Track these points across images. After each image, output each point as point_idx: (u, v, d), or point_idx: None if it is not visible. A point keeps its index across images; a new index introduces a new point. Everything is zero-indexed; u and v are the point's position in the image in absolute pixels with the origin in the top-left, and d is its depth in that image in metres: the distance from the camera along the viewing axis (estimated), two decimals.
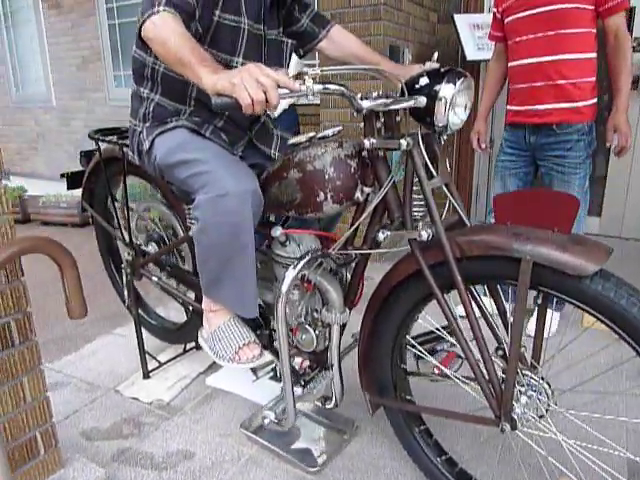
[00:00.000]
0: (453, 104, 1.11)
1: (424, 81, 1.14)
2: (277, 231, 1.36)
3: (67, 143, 5.87)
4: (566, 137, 2.11)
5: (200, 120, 1.47)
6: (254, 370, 1.72)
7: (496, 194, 1.12)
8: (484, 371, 1.15)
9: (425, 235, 1.15)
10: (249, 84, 0.99)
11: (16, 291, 1.24)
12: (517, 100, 2.22)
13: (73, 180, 2.11)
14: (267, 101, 1.01)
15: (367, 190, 1.29)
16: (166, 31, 1.13)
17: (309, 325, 1.45)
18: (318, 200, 1.28)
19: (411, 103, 1.12)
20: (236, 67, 1.45)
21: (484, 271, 1.13)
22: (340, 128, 1.39)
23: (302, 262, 1.26)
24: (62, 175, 2.11)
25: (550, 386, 1.21)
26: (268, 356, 1.57)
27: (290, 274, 1.23)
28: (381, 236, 1.23)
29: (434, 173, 1.17)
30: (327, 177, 1.26)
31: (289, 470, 1.59)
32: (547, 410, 1.20)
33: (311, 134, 1.33)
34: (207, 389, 2.01)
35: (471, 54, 3.04)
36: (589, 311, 1.03)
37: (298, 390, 1.45)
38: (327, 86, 1.06)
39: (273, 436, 1.67)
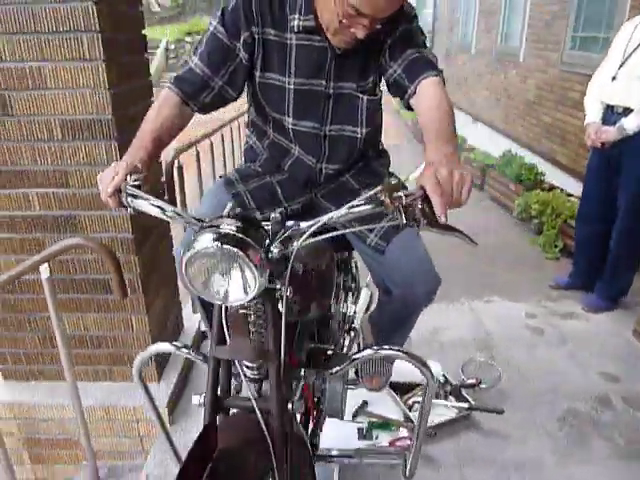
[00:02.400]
0: (195, 268, 0.80)
1: None
2: None
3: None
4: None
5: (262, 170, 1.50)
6: None
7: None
8: None
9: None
10: (101, 186, 1.06)
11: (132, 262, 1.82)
12: None
13: None
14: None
15: None
16: (153, 106, 1.26)
17: None
18: None
19: None
20: (289, 128, 1.37)
21: None
22: None
23: None
24: None
25: None
26: None
27: None
28: None
29: (227, 339, 0.89)
30: None
31: None
32: None
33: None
34: None
35: None
36: None
37: None
38: (144, 209, 0.97)
39: None
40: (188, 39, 17.20)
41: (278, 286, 0.88)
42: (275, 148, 1.45)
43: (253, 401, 0.89)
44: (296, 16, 1.23)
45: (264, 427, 0.88)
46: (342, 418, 1.41)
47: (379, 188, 0.87)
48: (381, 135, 1.54)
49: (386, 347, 1.19)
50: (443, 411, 2.03)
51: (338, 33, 1.19)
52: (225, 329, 0.90)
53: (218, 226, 0.80)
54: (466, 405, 2.02)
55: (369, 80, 1.32)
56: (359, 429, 1.97)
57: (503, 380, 2.19)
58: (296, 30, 1.25)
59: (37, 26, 1.50)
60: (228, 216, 0.82)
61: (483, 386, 2.13)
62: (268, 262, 0.82)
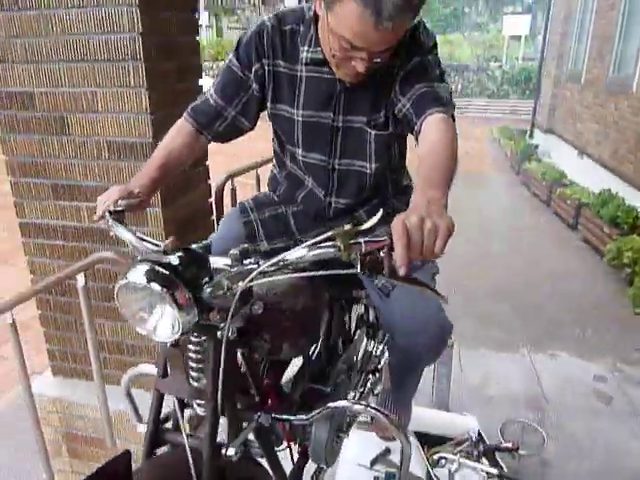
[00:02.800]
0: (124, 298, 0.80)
1: None
2: None
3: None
4: None
5: (279, 200, 1.49)
6: None
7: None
8: None
9: None
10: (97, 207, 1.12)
11: None
12: None
13: None
14: None
15: None
16: (167, 134, 1.31)
17: None
18: None
19: None
20: (299, 159, 1.35)
21: None
22: None
23: None
24: None
25: None
26: None
27: None
28: None
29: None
30: None
31: None
32: None
33: None
34: None
35: None
36: None
37: None
38: (119, 234, 1.00)
39: None
40: None
41: (222, 324, 0.86)
42: (291, 179, 1.44)
43: (185, 439, 0.87)
44: (305, 48, 1.22)
45: (192, 468, 0.85)
46: (328, 466, 1.33)
47: (330, 233, 0.81)
48: (403, 171, 1.46)
49: (363, 403, 1.11)
50: (470, 474, 1.85)
51: (340, 67, 1.15)
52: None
53: (154, 261, 0.80)
54: (496, 471, 1.81)
55: (380, 114, 1.25)
56: (375, 478, 1.86)
57: (549, 449, 1.95)
58: (305, 62, 1.23)
59: (91, 55, 1.64)
60: (165, 252, 0.81)
61: (522, 452, 1.90)
62: (197, 301, 0.79)
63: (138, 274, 0.77)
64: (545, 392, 2.33)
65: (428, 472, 1.86)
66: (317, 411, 1.10)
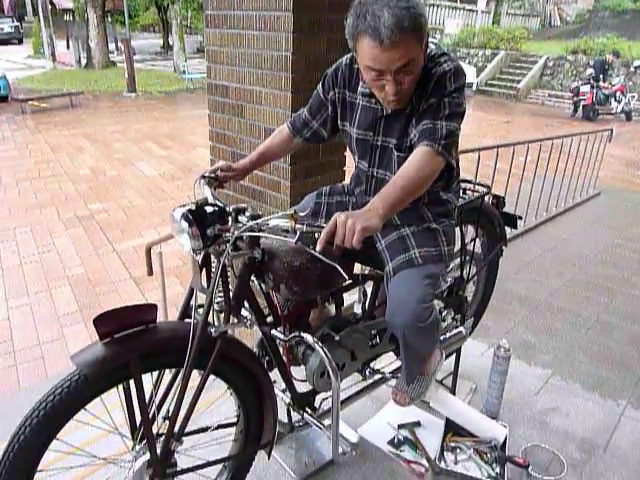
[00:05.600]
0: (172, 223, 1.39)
1: None
2: None
3: None
4: None
5: (347, 191, 1.92)
6: None
7: None
8: None
9: None
10: None
11: None
12: None
13: None
14: None
15: None
16: (273, 132, 1.88)
17: None
18: None
19: None
20: (356, 164, 1.79)
21: None
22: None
23: None
24: None
25: None
26: None
27: None
28: None
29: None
30: None
31: None
32: None
33: None
34: None
35: None
36: None
37: None
38: (203, 189, 1.62)
39: None
40: (570, 57, 16.44)
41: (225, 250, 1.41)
42: (357, 177, 1.87)
43: (193, 314, 1.46)
44: (361, 83, 1.63)
45: (191, 332, 1.43)
46: (315, 388, 1.76)
47: (288, 213, 1.28)
48: (437, 186, 1.71)
49: (311, 337, 1.53)
50: (473, 468, 2.04)
51: (380, 93, 1.50)
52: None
53: (187, 208, 1.38)
54: (496, 477, 1.98)
55: (407, 139, 1.58)
56: (395, 436, 2.21)
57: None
58: (361, 94, 1.64)
59: (262, 65, 2.30)
60: (197, 205, 1.39)
61: (533, 473, 2.00)
62: (203, 235, 1.36)
63: (177, 212, 1.37)
64: (610, 444, 2.24)
65: (437, 454, 2.10)
66: (294, 334, 1.58)
